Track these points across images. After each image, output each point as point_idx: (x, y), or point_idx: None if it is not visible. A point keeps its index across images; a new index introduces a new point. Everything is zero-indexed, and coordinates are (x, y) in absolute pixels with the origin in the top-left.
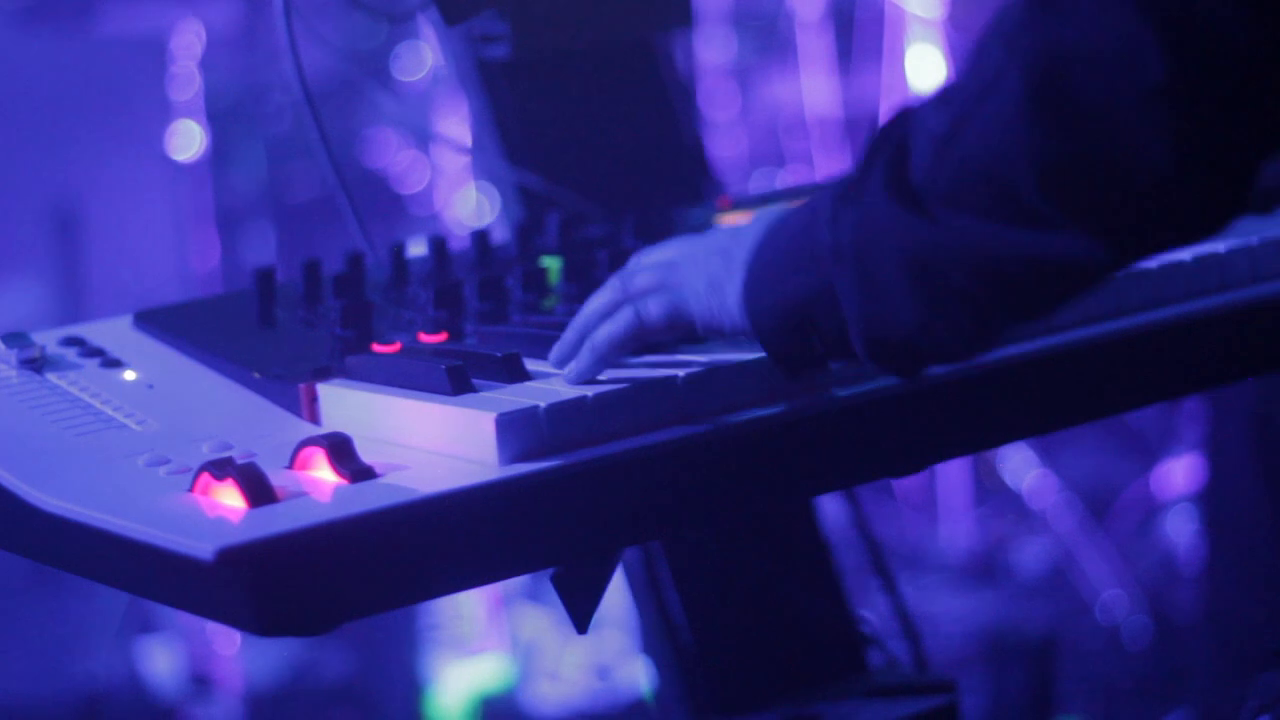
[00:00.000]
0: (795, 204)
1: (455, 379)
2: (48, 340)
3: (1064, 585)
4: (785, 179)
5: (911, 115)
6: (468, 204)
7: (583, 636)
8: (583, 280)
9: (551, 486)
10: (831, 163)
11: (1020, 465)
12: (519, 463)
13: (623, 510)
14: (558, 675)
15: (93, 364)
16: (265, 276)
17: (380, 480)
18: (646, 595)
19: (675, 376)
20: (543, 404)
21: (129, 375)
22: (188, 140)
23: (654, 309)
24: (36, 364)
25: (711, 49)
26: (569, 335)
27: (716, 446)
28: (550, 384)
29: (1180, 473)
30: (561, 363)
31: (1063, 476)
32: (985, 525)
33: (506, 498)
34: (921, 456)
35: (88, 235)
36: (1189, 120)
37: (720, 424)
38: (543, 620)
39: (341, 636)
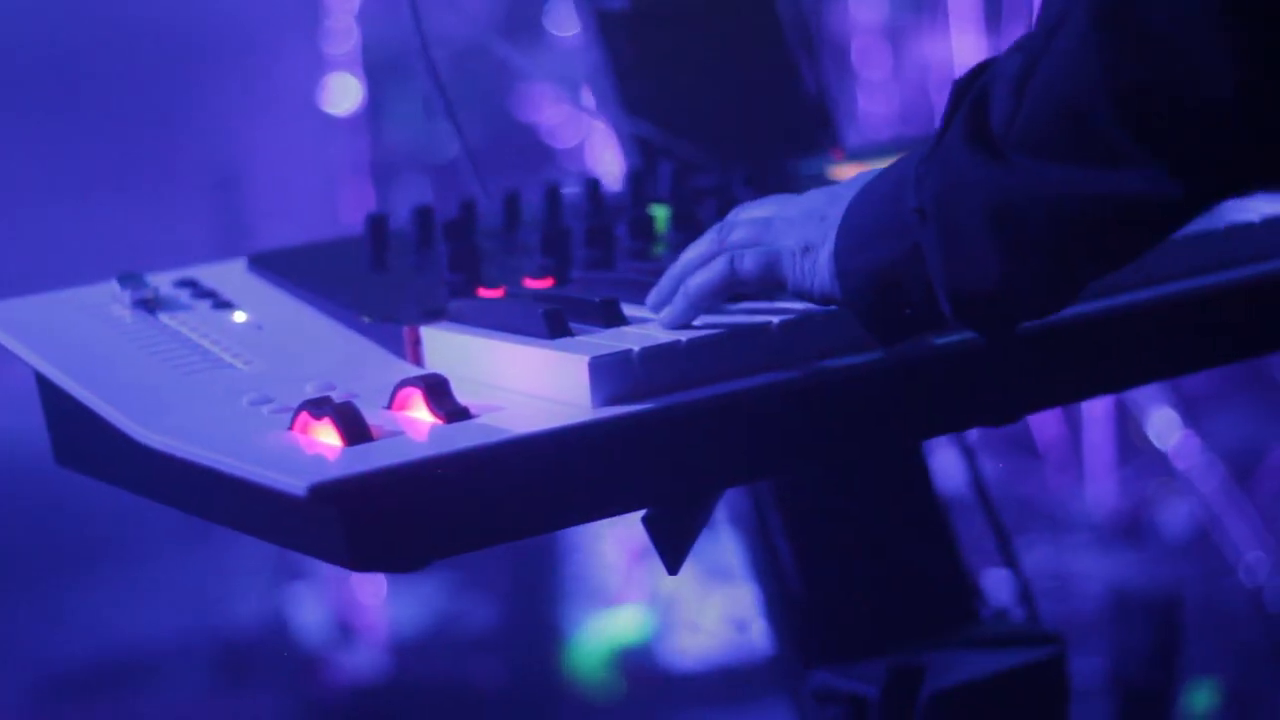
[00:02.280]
0: (887, 164)
1: (552, 322)
2: (162, 282)
3: (1207, 547)
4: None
5: (989, 65)
6: (619, 159)
7: (722, 588)
8: (690, 229)
9: (643, 429)
10: None
11: (1165, 426)
12: (612, 405)
13: (713, 454)
14: (696, 627)
15: (204, 305)
16: (377, 221)
17: (475, 420)
18: (757, 542)
19: (769, 322)
20: (636, 348)
21: (239, 317)
22: (343, 94)
23: (749, 263)
24: (150, 304)
25: (864, 8)
26: (665, 282)
27: (807, 393)
28: (645, 329)
29: None
30: (658, 307)
31: (1207, 438)
32: (1129, 485)
33: (598, 439)
34: (1014, 406)
35: (245, 190)
36: (1256, 37)
37: (812, 370)
38: (682, 572)
39: (484, 587)
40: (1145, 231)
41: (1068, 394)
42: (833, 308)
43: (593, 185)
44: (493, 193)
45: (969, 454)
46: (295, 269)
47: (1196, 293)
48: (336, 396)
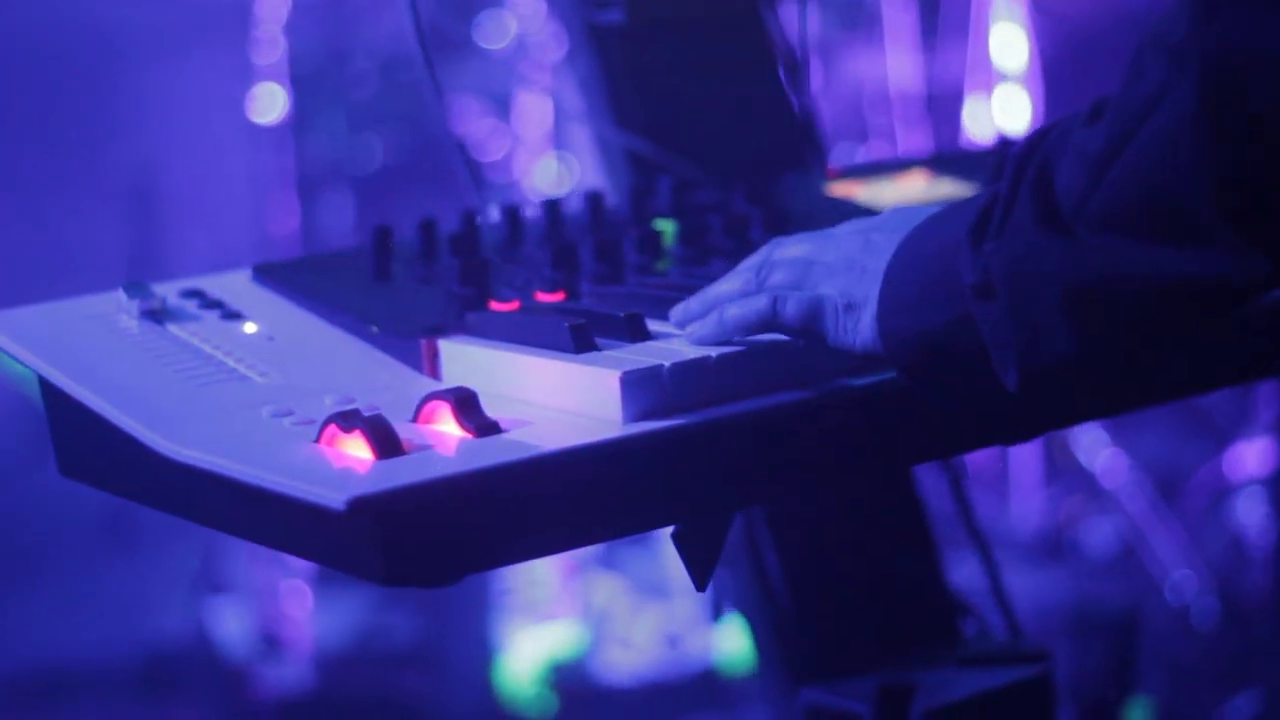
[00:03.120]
0: (928, 214)
1: (579, 337)
2: (167, 292)
3: (1134, 565)
4: (867, 153)
5: (1053, 136)
6: (547, 173)
7: (655, 603)
8: (696, 244)
9: (674, 445)
10: (913, 137)
11: (1092, 444)
12: (642, 421)
13: (743, 470)
14: (629, 643)
15: (213, 316)
16: (382, 233)
17: (505, 436)
18: (745, 559)
19: (797, 341)
20: (667, 363)
21: (249, 328)
22: (270, 104)
23: (791, 309)
24: (158, 315)
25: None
26: (695, 303)
27: (836, 410)
28: (672, 344)
29: (1252, 455)
30: (682, 325)
31: (1134, 456)
32: (1056, 504)
33: (630, 455)
34: (1032, 425)
35: (169, 199)
36: None
37: (839, 387)
38: (615, 587)
39: (412, 600)
40: (1229, 307)
41: (1084, 413)
42: None
43: (595, 199)
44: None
45: (949, 467)
46: (300, 280)
47: None
48: (363, 409)
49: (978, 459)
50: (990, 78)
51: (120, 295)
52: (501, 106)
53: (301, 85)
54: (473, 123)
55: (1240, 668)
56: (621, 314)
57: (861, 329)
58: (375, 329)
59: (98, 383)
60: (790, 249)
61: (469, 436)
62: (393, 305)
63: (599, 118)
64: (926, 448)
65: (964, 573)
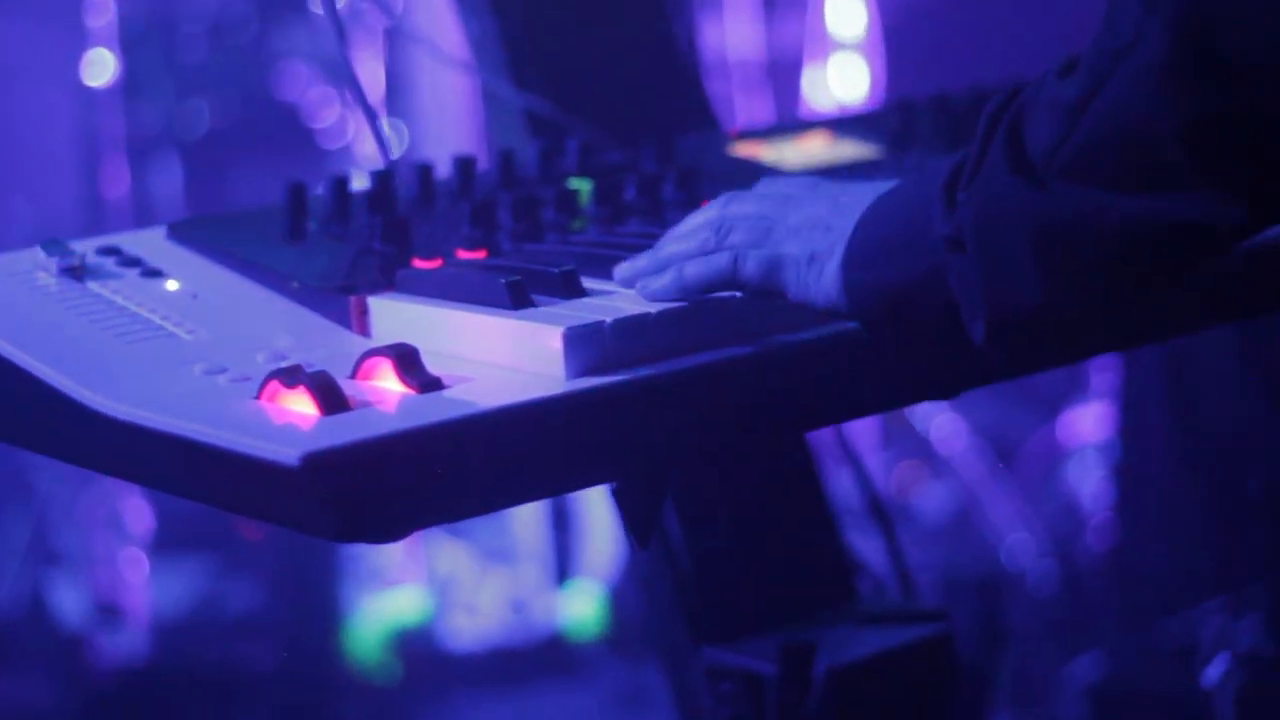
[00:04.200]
0: (891, 183)
1: (516, 293)
2: (84, 249)
3: (969, 530)
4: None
5: (1026, 92)
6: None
7: (500, 569)
8: (611, 203)
9: (617, 401)
10: (753, 106)
11: (927, 409)
12: (584, 377)
13: (684, 426)
14: (474, 609)
15: (133, 273)
16: (297, 190)
17: (448, 392)
18: None
19: (735, 295)
20: (608, 319)
21: (171, 285)
22: (101, 68)
23: (751, 266)
24: (76, 272)
25: None
26: (643, 262)
27: (775, 366)
28: (609, 301)
29: (1086, 420)
30: (629, 283)
31: (969, 421)
32: (891, 468)
33: (574, 410)
34: (962, 379)
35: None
36: None
37: (779, 343)
38: (460, 553)
39: (253, 567)
40: (1200, 254)
41: (1015, 368)
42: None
43: (506, 158)
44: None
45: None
46: (217, 237)
47: None
48: (305, 365)
49: None
50: (827, 45)
51: (38, 253)
52: (331, 71)
53: (131, 49)
54: (303, 89)
55: (1078, 631)
56: (556, 270)
57: (824, 282)
58: (297, 285)
59: (24, 340)
60: (747, 205)
61: (411, 393)
62: (312, 262)
63: (495, 78)
64: (865, 402)
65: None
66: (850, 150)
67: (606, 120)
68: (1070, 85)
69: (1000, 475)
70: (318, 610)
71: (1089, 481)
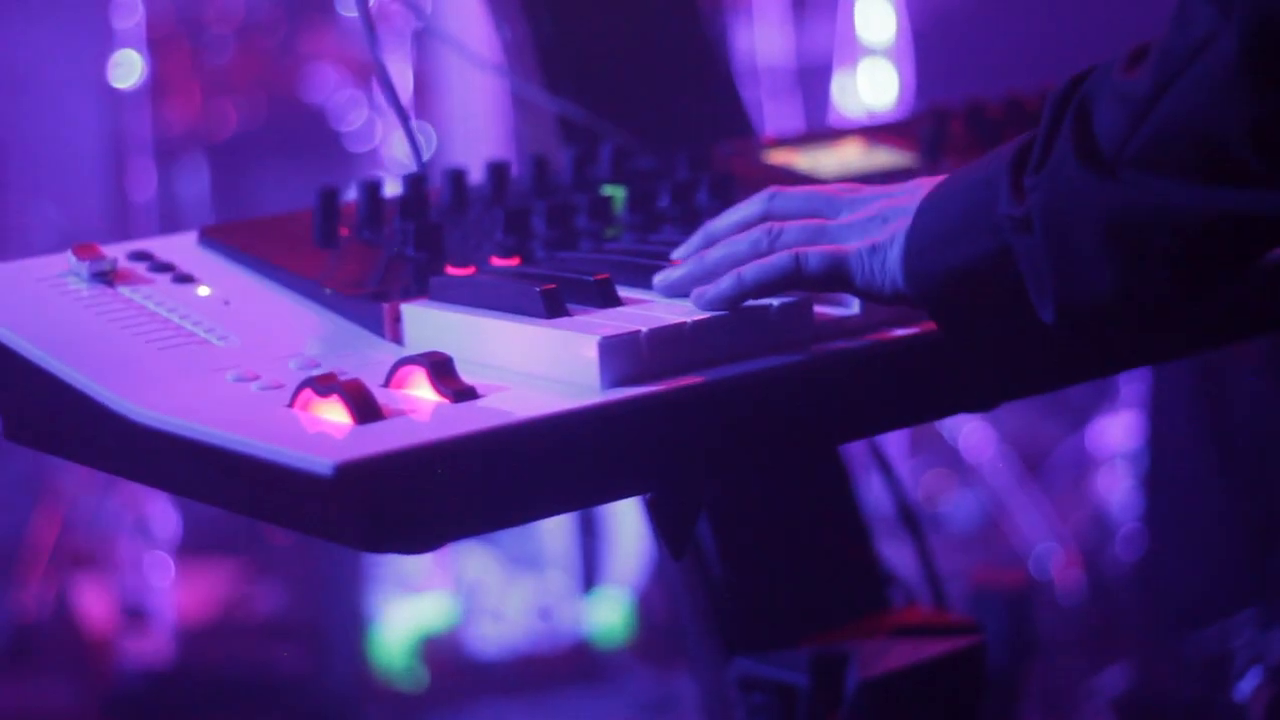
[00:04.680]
0: (958, 171)
1: (550, 302)
2: (115, 254)
3: (998, 539)
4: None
5: (1090, 80)
6: (404, 142)
7: (527, 576)
8: (644, 210)
9: (652, 411)
10: (782, 111)
11: (955, 418)
12: (619, 387)
13: (719, 438)
14: (500, 615)
15: (164, 279)
16: (328, 196)
17: (482, 401)
18: None
19: (769, 305)
20: (644, 329)
21: (202, 291)
22: (128, 69)
23: (815, 263)
24: (108, 277)
25: None
26: (687, 269)
27: (811, 376)
28: (644, 310)
29: (1116, 429)
30: (669, 291)
31: (998, 430)
32: (919, 477)
33: (609, 421)
34: (998, 392)
35: (22, 163)
36: None
37: (814, 353)
38: (487, 559)
39: (278, 571)
40: (1265, 246)
41: (1048, 383)
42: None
43: (540, 165)
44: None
45: (879, 454)
46: (248, 243)
47: None
48: (339, 374)
49: None
50: (856, 50)
51: (69, 257)
52: (361, 74)
53: (158, 50)
54: (331, 91)
55: (1106, 641)
56: (591, 278)
57: (889, 268)
58: (329, 292)
59: (55, 345)
60: (794, 202)
61: (445, 402)
62: (344, 269)
63: (527, 82)
64: (901, 413)
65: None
66: (885, 158)
67: (640, 126)
68: (1141, 78)
69: (1029, 484)
70: (344, 615)
71: (1118, 491)
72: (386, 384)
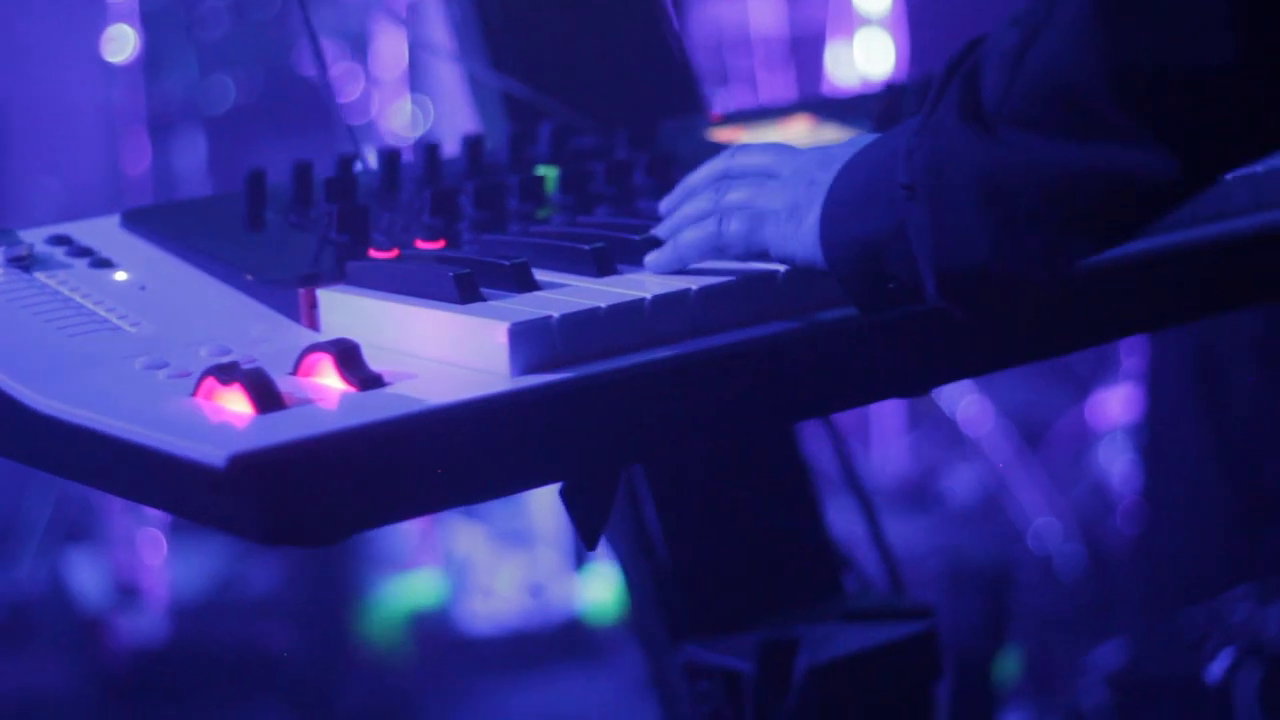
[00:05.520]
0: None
1: (464, 287)
2: (34, 238)
3: (996, 513)
4: (727, 98)
5: (984, 40)
6: (402, 115)
7: (517, 552)
8: (578, 191)
9: (563, 399)
10: (775, 82)
11: (954, 391)
12: (531, 374)
13: (633, 425)
14: (490, 592)
15: (82, 264)
16: (255, 178)
17: (389, 389)
18: (623, 512)
19: (688, 289)
20: (555, 314)
21: (120, 276)
22: (122, 43)
23: (734, 226)
24: (24, 262)
25: None
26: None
27: (725, 363)
28: (561, 294)
29: (1115, 403)
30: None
31: (997, 403)
32: (918, 451)
33: (518, 409)
34: (936, 374)
35: (19, 137)
36: (1260, 13)
37: (733, 339)
38: (476, 537)
39: (270, 549)
40: (1139, 208)
41: (989, 363)
42: (756, 268)
43: (474, 144)
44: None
45: (827, 421)
46: (172, 226)
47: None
48: (242, 362)
49: None
50: (853, 21)
51: None
52: (357, 47)
53: (152, 24)
54: (328, 64)
55: (1104, 616)
56: (508, 262)
57: (803, 235)
58: (250, 277)
59: None
60: (751, 157)
61: (352, 390)
62: (267, 253)
63: (473, 60)
64: (819, 401)
65: (843, 525)
66: (833, 134)
67: (588, 104)
68: (1013, 34)
69: (1028, 458)
70: (335, 593)
71: (1119, 464)
72: (294, 372)
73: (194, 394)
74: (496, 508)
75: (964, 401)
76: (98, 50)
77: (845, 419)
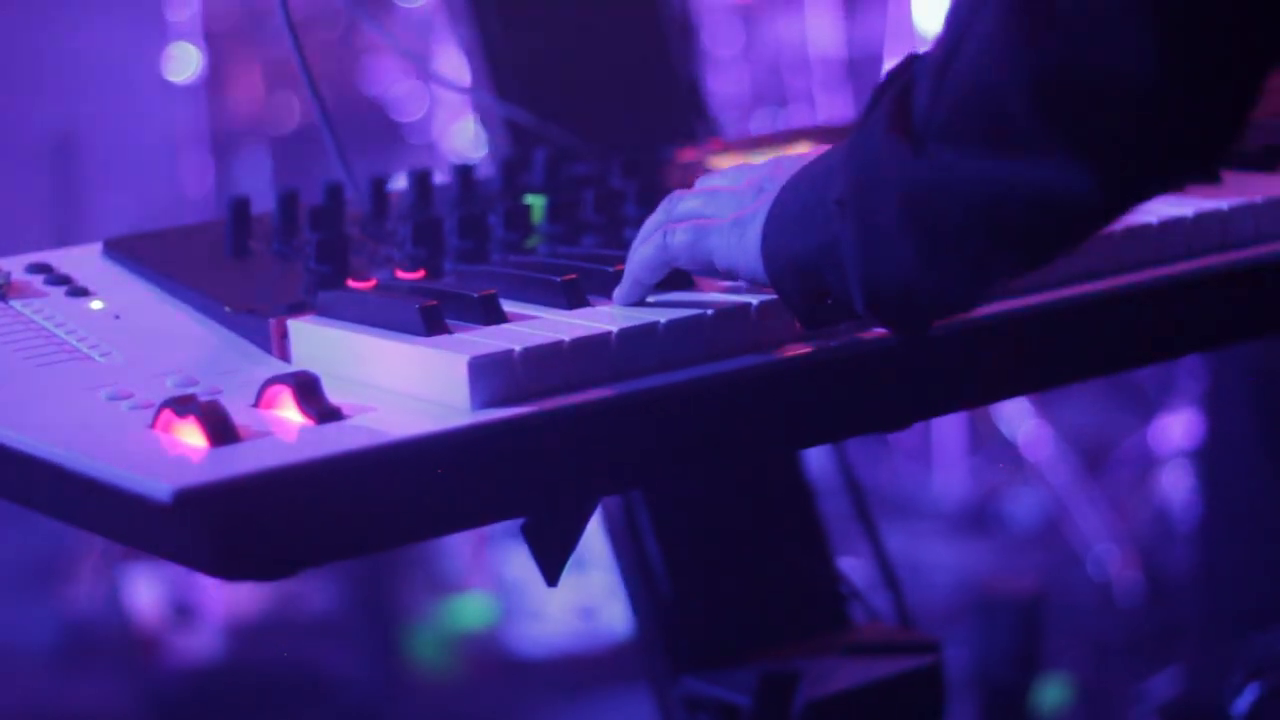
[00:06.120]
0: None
1: (428, 318)
2: (13, 266)
3: (1056, 538)
4: (787, 118)
5: (918, 55)
6: (465, 134)
7: (568, 575)
8: (567, 220)
9: (525, 434)
10: (833, 102)
11: (1015, 415)
12: (492, 408)
13: (597, 460)
14: (540, 615)
15: (58, 292)
16: (239, 206)
17: (347, 422)
18: (626, 544)
19: (656, 323)
20: (518, 348)
21: (95, 305)
22: (184, 62)
23: (679, 237)
24: (1, 291)
25: None
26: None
27: (695, 396)
28: (529, 326)
29: (1178, 428)
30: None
31: (1058, 428)
32: (979, 475)
33: (477, 444)
34: (915, 410)
35: (84, 158)
36: (1176, 24)
37: (701, 373)
38: (528, 559)
39: (326, 570)
40: (1059, 226)
41: (968, 399)
42: (730, 300)
43: (464, 172)
44: (357, 177)
45: (838, 444)
46: (153, 255)
47: (1120, 290)
48: (201, 394)
49: None
50: (912, 41)
51: None
52: (423, 65)
53: (217, 43)
54: (390, 83)
55: (1162, 645)
56: (475, 294)
57: (747, 248)
58: (227, 308)
59: None
60: (713, 179)
61: (310, 423)
62: (248, 283)
63: (480, 86)
64: (795, 434)
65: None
66: None
67: (594, 130)
68: (939, 48)
69: (1088, 483)
70: (386, 613)
71: (1181, 490)
72: (256, 404)
73: (152, 426)
74: None
75: (1025, 425)
76: (158, 70)
77: (906, 441)
